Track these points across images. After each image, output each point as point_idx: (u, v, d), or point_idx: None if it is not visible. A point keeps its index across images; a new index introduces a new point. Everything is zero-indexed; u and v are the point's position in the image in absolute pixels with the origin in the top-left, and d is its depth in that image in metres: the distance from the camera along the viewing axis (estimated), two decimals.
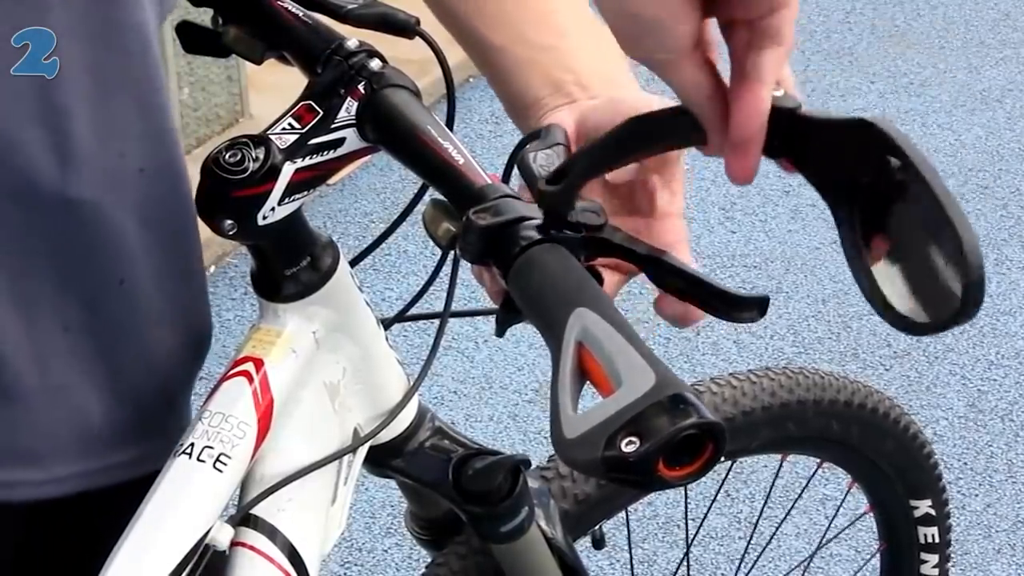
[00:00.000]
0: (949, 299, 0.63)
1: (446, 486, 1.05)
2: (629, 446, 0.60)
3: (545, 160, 0.77)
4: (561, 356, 0.65)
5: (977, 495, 2.35)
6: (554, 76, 0.86)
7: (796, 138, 0.70)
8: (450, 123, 0.90)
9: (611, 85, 0.84)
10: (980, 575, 2.22)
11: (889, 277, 0.67)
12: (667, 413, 0.60)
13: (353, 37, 0.89)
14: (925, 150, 2.98)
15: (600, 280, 0.76)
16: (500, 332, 0.77)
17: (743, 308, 0.74)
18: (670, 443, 0.60)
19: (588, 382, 0.65)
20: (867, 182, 0.67)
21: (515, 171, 0.80)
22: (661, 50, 0.67)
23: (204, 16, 0.96)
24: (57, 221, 0.81)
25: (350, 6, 0.89)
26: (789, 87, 0.71)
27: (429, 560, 1.21)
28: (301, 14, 0.91)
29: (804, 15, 3.78)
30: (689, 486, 0.68)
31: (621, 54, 0.85)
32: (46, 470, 0.89)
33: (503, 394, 2.51)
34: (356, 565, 2.20)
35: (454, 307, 0.98)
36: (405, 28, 0.89)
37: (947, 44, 3.69)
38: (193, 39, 0.96)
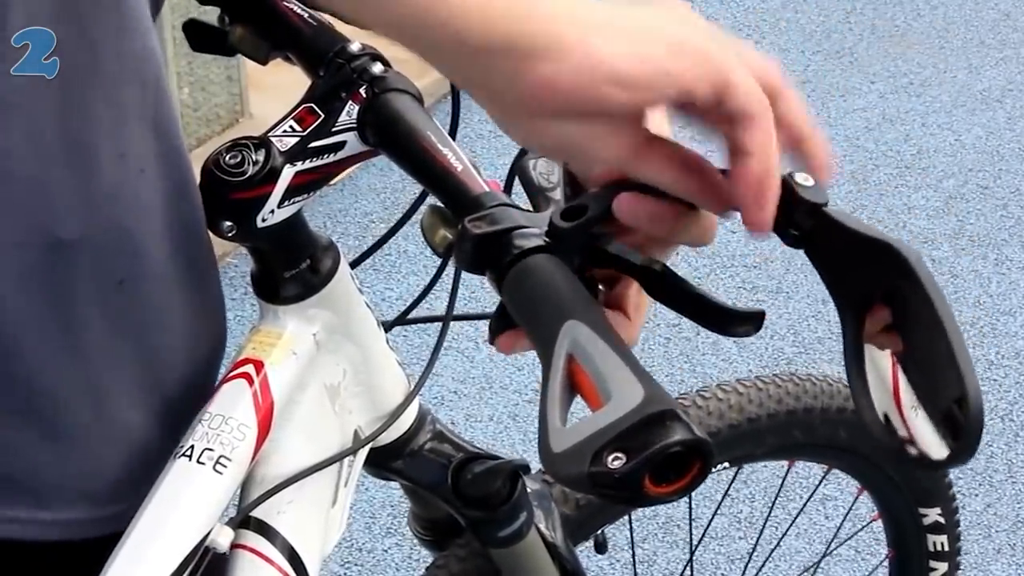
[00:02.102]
0: (943, 441, 0.64)
1: (445, 490, 1.05)
2: (615, 462, 0.60)
3: (545, 168, 0.77)
4: (551, 368, 0.65)
5: (977, 495, 2.35)
6: None
7: (817, 234, 0.69)
8: (454, 126, 0.90)
9: None
10: (980, 575, 2.22)
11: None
12: (654, 430, 0.60)
13: (356, 40, 0.89)
14: (926, 151, 2.95)
15: (595, 291, 0.75)
16: (493, 340, 0.77)
17: (738, 323, 0.73)
18: (656, 460, 0.60)
19: (578, 395, 0.65)
20: (879, 298, 0.67)
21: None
22: (597, 165, 0.69)
23: (210, 15, 0.96)
24: (91, 258, 0.80)
25: None
26: (820, 163, 0.71)
27: (429, 561, 1.21)
28: (307, 15, 0.91)
29: (804, 15, 3.78)
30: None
31: None
32: (103, 507, 0.88)
33: (503, 394, 2.51)
34: (356, 565, 2.20)
35: (454, 310, 0.98)
36: None
37: (947, 44, 3.69)
38: (199, 38, 0.96)
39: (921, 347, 0.66)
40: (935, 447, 0.65)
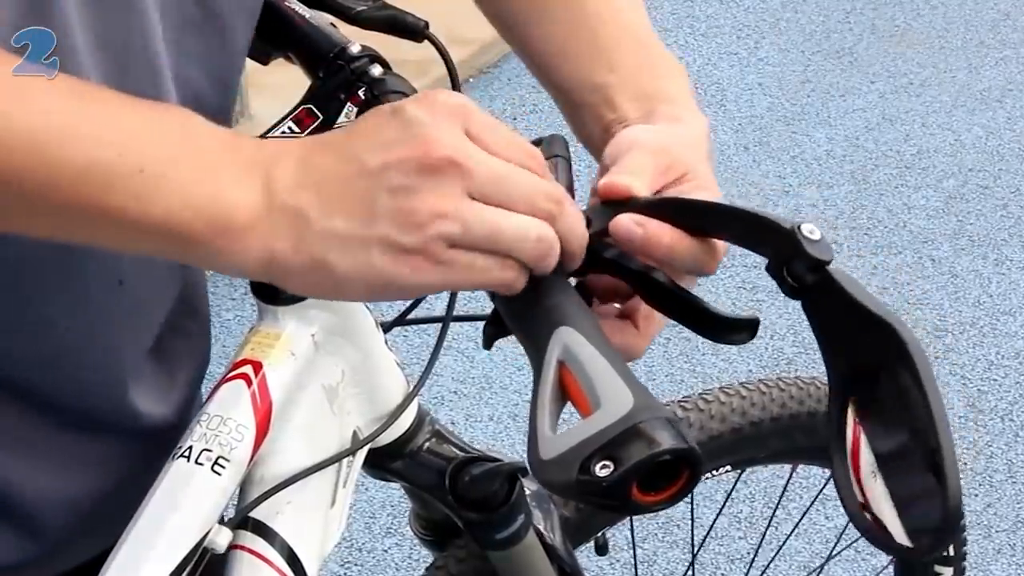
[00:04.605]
0: (923, 527, 0.63)
1: (442, 491, 1.05)
2: (603, 470, 0.60)
3: None
4: (542, 375, 0.65)
5: (977, 495, 2.35)
6: (602, 116, 0.85)
7: (817, 291, 0.69)
8: None
9: (650, 116, 0.83)
10: (980, 575, 2.21)
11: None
12: (642, 438, 0.60)
13: (357, 42, 0.89)
14: (926, 151, 2.93)
15: (589, 298, 0.75)
16: (487, 345, 0.77)
17: (734, 330, 0.73)
18: (643, 469, 0.60)
19: (569, 402, 0.65)
20: (870, 371, 0.66)
21: None
22: None
23: None
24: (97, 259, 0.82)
25: (360, 8, 0.89)
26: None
27: (429, 561, 1.21)
28: (308, 15, 0.91)
29: (804, 15, 3.78)
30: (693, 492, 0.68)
31: (668, 71, 0.85)
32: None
33: (503, 394, 2.51)
34: (356, 565, 2.20)
35: (453, 310, 0.98)
36: (414, 31, 0.89)
37: (947, 44, 3.68)
38: None
39: (902, 430, 0.65)
40: (889, 517, 0.64)
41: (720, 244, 0.75)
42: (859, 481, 0.66)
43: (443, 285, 0.67)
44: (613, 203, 0.75)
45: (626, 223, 0.73)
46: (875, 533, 0.65)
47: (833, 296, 0.68)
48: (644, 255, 0.74)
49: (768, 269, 0.70)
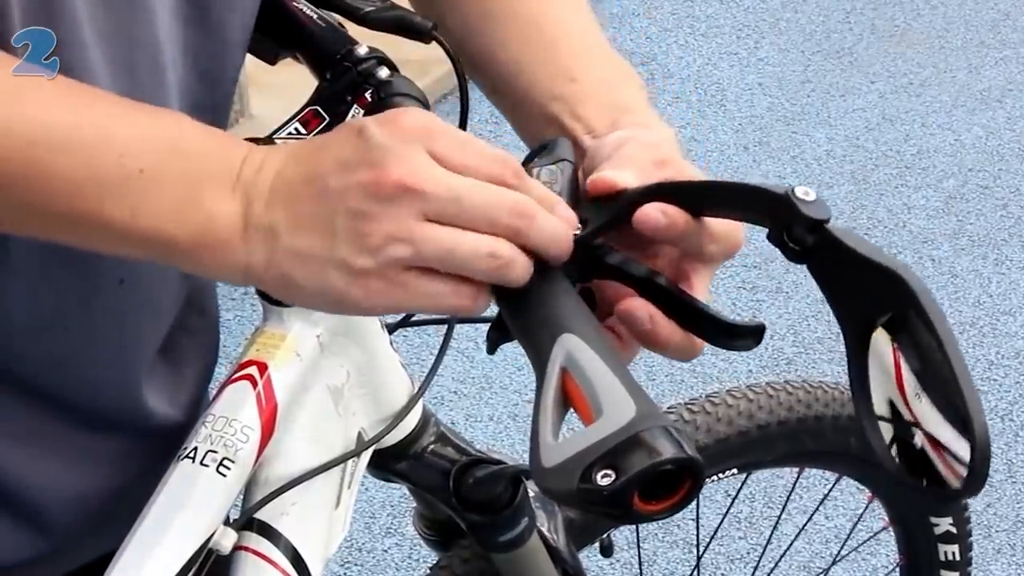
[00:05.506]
0: (952, 471, 0.64)
1: (446, 493, 1.05)
2: (604, 479, 0.60)
3: (548, 176, 0.76)
4: (545, 382, 0.65)
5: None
6: (566, 127, 0.84)
7: (819, 250, 0.69)
8: (463, 126, 0.89)
9: (615, 126, 0.83)
10: (980, 575, 2.21)
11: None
12: (644, 447, 0.60)
13: (364, 44, 0.89)
14: (926, 151, 2.93)
15: (593, 303, 0.75)
16: (491, 350, 0.77)
17: (738, 336, 0.73)
18: (645, 478, 0.60)
19: (572, 409, 0.65)
20: (883, 323, 0.67)
21: None
22: None
23: None
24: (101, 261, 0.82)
25: (367, 8, 0.89)
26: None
27: (429, 561, 1.21)
28: (316, 16, 0.91)
29: (804, 15, 3.78)
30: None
31: (628, 81, 0.84)
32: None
33: (503, 394, 2.51)
34: (356, 565, 2.20)
35: None
36: (422, 32, 0.89)
37: (947, 44, 3.68)
38: None
39: (923, 377, 0.65)
40: (942, 430, 0.64)
41: (714, 223, 0.75)
42: (907, 403, 0.66)
43: (398, 307, 0.70)
44: (605, 198, 0.75)
45: (653, 214, 0.73)
46: (927, 458, 0.66)
47: (837, 253, 0.68)
48: (660, 240, 0.74)
49: (769, 238, 0.71)
